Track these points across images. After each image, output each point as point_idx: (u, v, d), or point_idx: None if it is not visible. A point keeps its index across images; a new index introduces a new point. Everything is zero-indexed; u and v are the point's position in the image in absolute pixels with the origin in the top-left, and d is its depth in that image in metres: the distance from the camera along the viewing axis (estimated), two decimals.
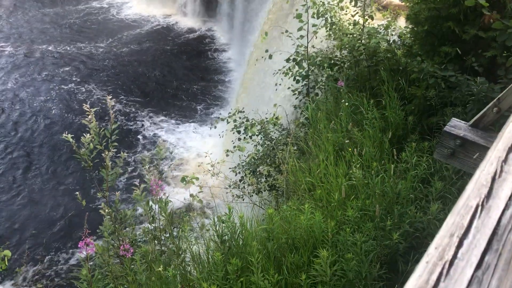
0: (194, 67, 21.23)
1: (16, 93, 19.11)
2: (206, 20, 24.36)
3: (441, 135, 2.77)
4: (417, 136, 4.47)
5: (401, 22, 7.32)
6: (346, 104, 5.01)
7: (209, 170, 5.76)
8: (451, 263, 0.87)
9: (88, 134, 3.79)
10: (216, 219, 3.63)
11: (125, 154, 3.81)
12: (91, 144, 3.79)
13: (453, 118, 2.80)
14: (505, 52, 4.10)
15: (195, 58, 21.84)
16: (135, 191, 3.86)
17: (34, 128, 17.23)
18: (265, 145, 6.20)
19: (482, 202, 0.98)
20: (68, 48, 22.34)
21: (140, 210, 3.94)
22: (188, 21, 24.63)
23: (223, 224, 3.58)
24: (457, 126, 2.73)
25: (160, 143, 4.00)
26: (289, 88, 7.03)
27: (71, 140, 3.74)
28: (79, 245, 3.10)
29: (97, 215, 4.14)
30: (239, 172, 6.38)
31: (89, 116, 3.77)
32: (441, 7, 4.73)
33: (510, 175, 1.07)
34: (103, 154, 3.84)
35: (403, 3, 7.65)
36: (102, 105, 16.62)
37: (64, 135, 3.82)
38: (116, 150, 3.80)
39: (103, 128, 3.86)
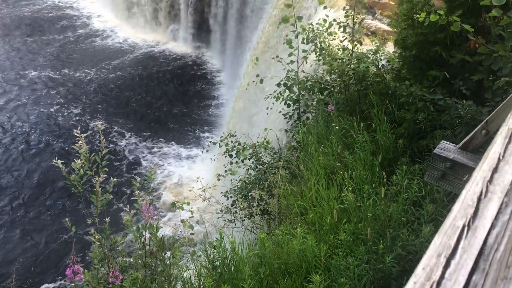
0: (185, 92, 21.32)
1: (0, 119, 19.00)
2: (198, 45, 24.58)
3: (431, 158, 2.79)
4: (407, 159, 4.49)
5: (390, 47, 7.45)
6: (337, 127, 5.05)
7: (201, 195, 5.73)
8: (439, 283, 0.87)
9: (79, 160, 3.76)
10: (207, 245, 3.59)
11: (114, 179, 3.78)
12: (81, 169, 3.76)
13: (442, 141, 2.82)
14: (491, 76, 4.18)
15: (187, 83, 21.94)
16: (125, 216, 3.82)
17: (20, 153, 17.08)
18: (257, 169, 6.19)
19: (469, 222, 0.99)
20: (54, 74, 22.25)
21: (130, 236, 3.89)
22: (179, 47, 24.85)
23: (215, 250, 3.55)
24: (447, 148, 2.75)
25: (151, 167, 3.98)
26: (280, 112, 7.07)
27: (61, 166, 3.71)
28: (66, 273, 3.04)
29: (87, 241, 4.09)
30: (231, 197, 6.35)
31: (79, 142, 3.75)
32: (427, 32, 4.83)
33: (495, 195, 1.07)
34: (93, 180, 3.80)
35: (391, 29, 7.81)
36: (86, 129, 16.58)
37: (54, 161, 3.78)
38: (106, 175, 3.78)
39: (93, 154, 3.84)
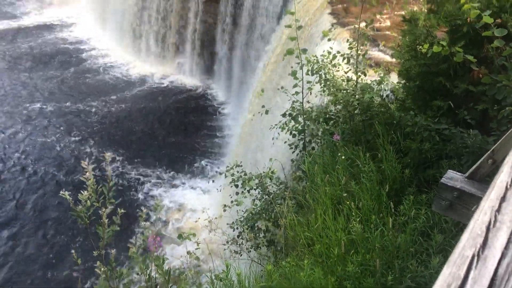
0: (191, 123, 21.46)
1: (4, 150, 19.09)
2: (205, 78, 24.89)
3: (438, 187, 2.78)
4: (414, 188, 4.46)
5: (394, 77, 7.52)
6: (343, 157, 5.04)
7: (207, 226, 5.70)
8: None
9: (85, 191, 3.77)
10: (213, 277, 3.56)
11: (122, 210, 3.78)
12: (88, 201, 3.76)
13: (449, 170, 2.82)
14: (496, 105, 4.19)
15: (193, 115, 22.10)
16: (131, 248, 3.80)
17: (23, 185, 17.09)
18: (263, 199, 6.17)
19: (478, 252, 0.98)
20: (60, 107, 22.21)
21: (136, 268, 3.86)
22: (186, 79, 25.17)
23: (221, 282, 3.51)
24: (454, 178, 2.74)
25: (157, 199, 3.99)
26: (285, 142, 7.10)
27: (68, 198, 3.72)
28: None
29: (93, 274, 4.05)
30: (237, 228, 6.30)
31: (87, 174, 3.77)
32: (431, 63, 4.89)
33: (504, 225, 1.07)
34: (99, 211, 3.80)
35: (395, 60, 7.91)
36: (90, 160, 16.64)
37: (61, 192, 3.80)
38: (113, 207, 3.78)
39: (100, 185, 3.85)
